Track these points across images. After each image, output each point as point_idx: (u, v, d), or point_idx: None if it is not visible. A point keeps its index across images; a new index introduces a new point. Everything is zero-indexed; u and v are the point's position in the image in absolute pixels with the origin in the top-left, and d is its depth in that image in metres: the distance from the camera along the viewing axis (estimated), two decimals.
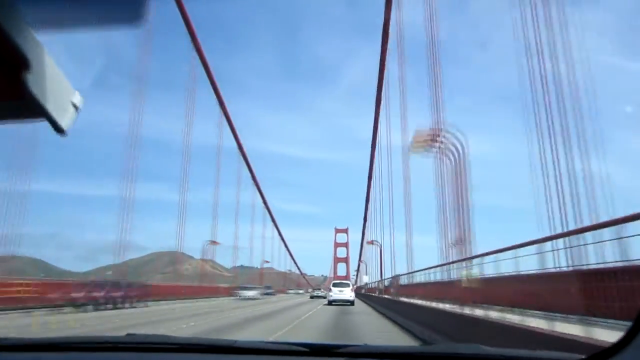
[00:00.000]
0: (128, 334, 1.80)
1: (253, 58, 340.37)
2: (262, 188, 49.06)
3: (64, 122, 0.76)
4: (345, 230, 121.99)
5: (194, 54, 37.50)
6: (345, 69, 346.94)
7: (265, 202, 50.38)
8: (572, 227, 8.69)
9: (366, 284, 48.68)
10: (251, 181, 58.96)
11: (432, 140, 15.46)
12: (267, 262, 73.69)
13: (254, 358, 1.54)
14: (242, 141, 50.78)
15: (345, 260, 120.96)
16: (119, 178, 30.44)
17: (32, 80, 0.68)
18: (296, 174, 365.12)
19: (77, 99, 0.80)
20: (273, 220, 50.09)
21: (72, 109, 0.79)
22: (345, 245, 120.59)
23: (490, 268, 8.65)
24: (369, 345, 1.60)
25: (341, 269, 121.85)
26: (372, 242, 41.78)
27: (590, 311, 4.93)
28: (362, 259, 56.40)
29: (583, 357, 1.31)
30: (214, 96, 42.44)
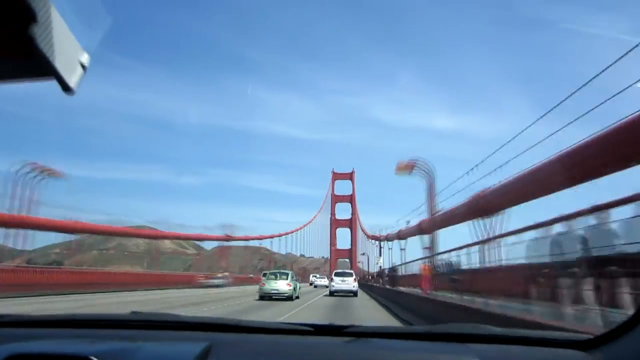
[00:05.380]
0: (132, 312, 1.82)
1: None
2: None
3: (72, 81, 0.74)
4: (350, 176, 71.15)
5: None
6: None
7: None
8: None
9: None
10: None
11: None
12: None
13: (258, 337, 1.52)
14: None
15: (349, 224, 72.20)
16: None
17: (40, 38, 0.66)
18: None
19: (85, 58, 0.78)
20: None
21: (80, 69, 0.77)
22: (350, 199, 71.45)
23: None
24: (374, 326, 1.67)
25: (342, 239, 74.62)
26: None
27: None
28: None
29: (590, 336, 1.31)
30: None
